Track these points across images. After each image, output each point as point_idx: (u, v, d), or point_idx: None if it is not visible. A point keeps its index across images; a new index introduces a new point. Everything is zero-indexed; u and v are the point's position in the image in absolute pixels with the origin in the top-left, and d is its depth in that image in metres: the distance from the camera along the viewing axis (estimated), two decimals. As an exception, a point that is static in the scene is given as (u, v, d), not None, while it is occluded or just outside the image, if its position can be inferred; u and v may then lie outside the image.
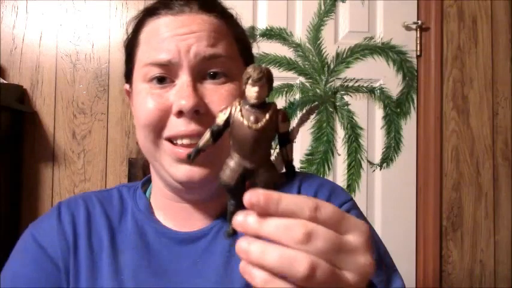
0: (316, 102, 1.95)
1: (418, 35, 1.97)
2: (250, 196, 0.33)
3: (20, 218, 1.75)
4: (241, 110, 0.37)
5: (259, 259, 0.33)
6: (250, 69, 0.37)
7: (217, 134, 0.39)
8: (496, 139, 1.99)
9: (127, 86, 0.72)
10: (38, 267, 0.66)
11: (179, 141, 0.62)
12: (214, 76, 0.63)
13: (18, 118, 1.76)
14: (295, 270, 0.32)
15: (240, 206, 0.37)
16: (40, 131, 1.80)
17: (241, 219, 0.35)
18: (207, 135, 0.40)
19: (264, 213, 0.34)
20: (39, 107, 1.81)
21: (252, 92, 0.36)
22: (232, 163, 0.38)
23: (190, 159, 0.41)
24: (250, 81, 0.36)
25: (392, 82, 1.98)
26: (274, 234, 0.34)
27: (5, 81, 1.74)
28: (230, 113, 0.38)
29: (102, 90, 1.83)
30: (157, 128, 0.63)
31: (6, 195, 1.68)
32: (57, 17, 1.84)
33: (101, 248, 0.67)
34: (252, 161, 0.36)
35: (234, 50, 0.67)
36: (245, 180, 0.38)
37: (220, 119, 0.38)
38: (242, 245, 0.34)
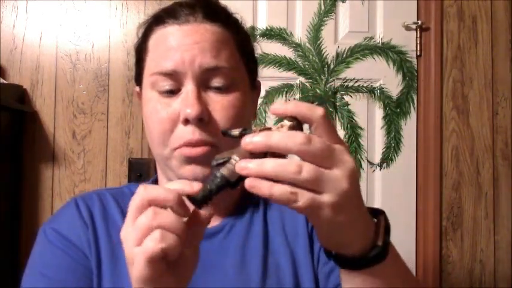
0: (316, 102, 1.95)
1: (418, 35, 1.97)
2: (274, 106, 0.44)
3: (20, 218, 1.75)
4: None
5: (259, 169, 0.41)
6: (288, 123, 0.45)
7: (242, 135, 0.46)
8: (496, 139, 1.99)
9: (137, 89, 0.76)
10: (68, 256, 0.67)
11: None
12: (217, 87, 0.67)
13: (18, 118, 1.76)
14: (288, 170, 0.41)
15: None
16: (40, 131, 1.80)
17: (244, 164, 0.42)
18: (237, 130, 0.48)
19: (284, 114, 0.44)
20: (39, 107, 1.81)
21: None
22: (229, 154, 0.45)
23: (222, 133, 0.51)
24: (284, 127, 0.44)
25: (392, 82, 1.98)
26: (273, 169, 0.41)
27: (5, 81, 1.74)
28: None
29: (102, 90, 1.83)
30: (169, 137, 0.66)
31: (6, 195, 1.68)
32: (57, 17, 1.84)
33: (119, 237, 0.68)
34: (237, 157, 0.44)
35: (236, 58, 0.70)
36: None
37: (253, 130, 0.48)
38: (241, 164, 0.42)
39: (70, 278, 0.66)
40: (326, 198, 0.42)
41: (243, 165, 0.42)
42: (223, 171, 0.44)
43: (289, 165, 0.41)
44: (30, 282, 0.67)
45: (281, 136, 0.42)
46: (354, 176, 0.43)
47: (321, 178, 0.41)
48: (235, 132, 0.47)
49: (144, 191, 0.45)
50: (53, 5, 1.84)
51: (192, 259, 0.49)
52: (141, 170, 1.77)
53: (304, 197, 0.41)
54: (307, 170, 0.41)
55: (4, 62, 1.80)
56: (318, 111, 0.44)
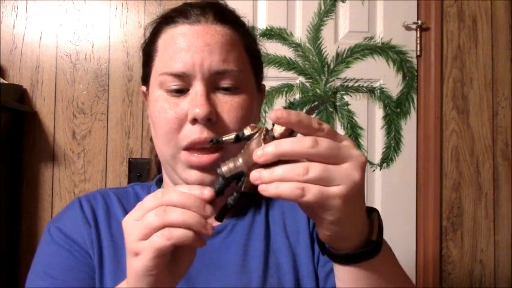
0: (316, 102, 1.95)
1: (418, 35, 1.97)
2: (277, 112, 0.44)
3: (20, 218, 1.75)
4: (264, 138, 0.47)
5: (270, 177, 0.44)
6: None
7: (239, 140, 0.49)
8: (496, 139, 1.99)
9: (144, 88, 0.76)
10: (72, 256, 0.68)
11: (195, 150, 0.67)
12: (225, 89, 0.68)
13: (18, 118, 1.76)
14: (295, 173, 0.43)
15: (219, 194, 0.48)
16: (40, 131, 1.80)
17: (257, 174, 0.45)
18: (232, 135, 0.49)
19: (288, 124, 0.45)
20: (39, 107, 1.81)
21: (277, 132, 0.46)
22: (235, 163, 0.47)
23: (211, 143, 0.51)
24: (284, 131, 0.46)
25: (392, 82, 1.98)
26: (283, 174, 0.44)
27: (5, 81, 1.74)
28: (256, 133, 0.48)
29: (102, 90, 1.83)
30: (176, 136, 0.67)
31: (6, 195, 1.68)
32: (57, 17, 1.85)
33: (122, 238, 0.69)
34: (249, 169, 0.46)
35: (244, 61, 0.70)
36: (233, 179, 0.48)
37: (248, 132, 0.48)
38: (255, 174, 0.45)
39: (73, 277, 0.67)
40: (337, 189, 0.44)
41: (256, 176, 0.45)
42: (243, 188, 0.47)
43: (296, 169, 0.43)
44: (34, 281, 0.68)
45: (290, 143, 0.44)
46: (364, 169, 0.46)
47: (329, 175, 0.44)
48: (231, 136, 0.49)
49: (174, 193, 0.47)
50: (53, 5, 1.84)
51: (187, 257, 0.51)
52: (141, 170, 1.77)
53: (311, 191, 0.43)
54: (314, 169, 0.43)
55: (4, 62, 1.80)
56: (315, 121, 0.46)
